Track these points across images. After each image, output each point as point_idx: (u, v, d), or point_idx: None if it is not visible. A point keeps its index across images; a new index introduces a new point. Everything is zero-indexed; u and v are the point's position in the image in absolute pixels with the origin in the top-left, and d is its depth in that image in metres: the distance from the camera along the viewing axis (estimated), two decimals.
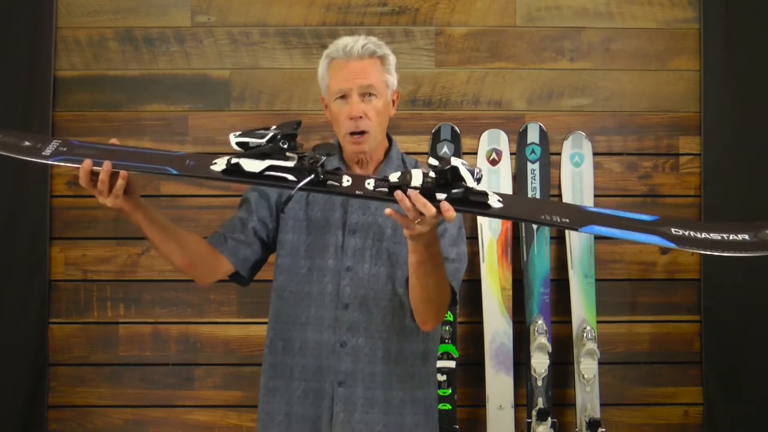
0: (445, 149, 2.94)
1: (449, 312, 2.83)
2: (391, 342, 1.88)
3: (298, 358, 1.90)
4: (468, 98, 3.02)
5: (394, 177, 1.60)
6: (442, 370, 2.78)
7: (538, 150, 2.96)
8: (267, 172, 1.64)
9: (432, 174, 1.57)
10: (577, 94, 3.03)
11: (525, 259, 2.91)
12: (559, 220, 1.63)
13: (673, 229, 1.61)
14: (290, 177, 1.64)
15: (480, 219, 2.91)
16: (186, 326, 2.98)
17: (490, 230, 2.91)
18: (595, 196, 2.94)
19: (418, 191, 1.57)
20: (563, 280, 2.92)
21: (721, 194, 2.97)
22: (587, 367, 2.81)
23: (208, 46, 3.01)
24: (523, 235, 2.91)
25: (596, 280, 2.90)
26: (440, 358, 2.79)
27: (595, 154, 2.98)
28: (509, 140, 2.97)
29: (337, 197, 1.90)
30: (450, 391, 2.80)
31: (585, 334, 2.81)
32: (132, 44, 3.01)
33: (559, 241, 2.96)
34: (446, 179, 1.57)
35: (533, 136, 2.97)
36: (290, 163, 1.63)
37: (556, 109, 3.02)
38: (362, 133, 1.85)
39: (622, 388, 2.98)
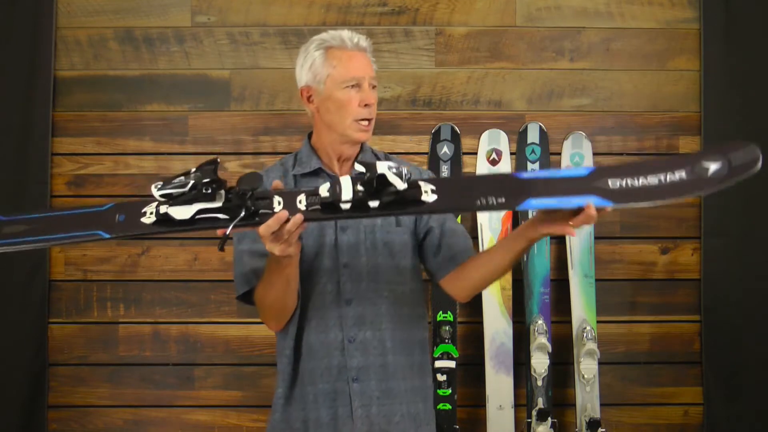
0: (444, 149, 2.94)
1: (449, 312, 2.83)
2: (396, 332, 1.90)
3: (308, 362, 1.90)
4: (468, 98, 3.02)
5: (323, 191, 1.60)
6: (442, 370, 2.78)
7: (538, 150, 2.96)
8: (198, 216, 1.62)
9: (360, 186, 1.57)
10: (577, 94, 3.03)
11: (525, 259, 2.91)
12: (495, 202, 1.63)
13: (609, 182, 1.61)
14: (222, 216, 1.62)
15: (480, 219, 2.91)
16: (186, 326, 2.98)
17: (490, 230, 2.91)
18: None
19: (349, 206, 1.58)
20: (563, 280, 2.92)
21: (721, 194, 2.95)
22: (587, 367, 2.81)
23: (208, 46, 3.01)
24: None
25: (596, 280, 2.90)
26: (440, 358, 2.79)
27: (595, 154, 2.97)
28: (509, 140, 2.97)
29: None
30: (450, 391, 2.80)
31: (585, 334, 2.81)
32: (132, 44, 3.01)
33: (559, 241, 2.96)
34: (376, 187, 1.57)
35: (533, 136, 2.97)
36: (218, 204, 1.61)
37: (556, 109, 3.02)
38: (369, 120, 1.88)
39: (622, 388, 2.98)
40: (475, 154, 2.96)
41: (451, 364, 2.81)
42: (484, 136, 2.97)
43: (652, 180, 1.60)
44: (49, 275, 2.96)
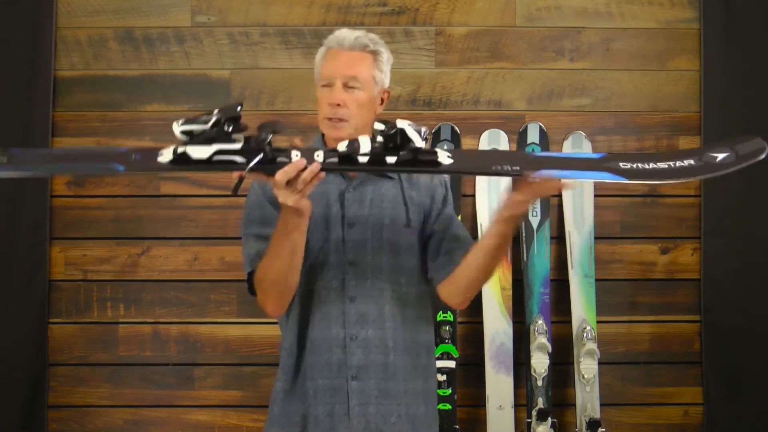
0: (445, 149, 2.94)
1: (449, 312, 2.83)
2: (399, 332, 1.90)
3: (309, 357, 1.90)
4: (468, 98, 3.02)
5: (342, 146, 1.63)
6: (442, 370, 2.78)
7: (538, 150, 2.96)
8: (215, 157, 1.64)
9: (379, 138, 1.60)
10: (577, 94, 3.03)
11: (525, 259, 2.91)
12: (510, 169, 1.67)
13: (621, 164, 1.67)
14: (239, 159, 1.64)
15: (480, 219, 2.91)
16: (186, 326, 2.98)
17: None
18: (595, 196, 2.94)
19: (367, 159, 1.61)
20: (563, 280, 2.92)
21: (721, 194, 2.97)
22: (587, 367, 2.81)
23: (208, 46, 3.01)
24: (523, 235, 2.91)
25: (596, 280, 2.90)
26: (440, 358, 2.79)
27: None
28: (509, 140, 2.97)
29: (333, 192, 1.91)
30: (450, 391, 2.80)
31: (585, 334, 2.81)
32: (132, 44, 3.01)
33: (559, 241, 2.96)
34: (395, 142, 1.60)
35: (533, 136, 2.97)
36: (237, 146, 1.63)
37: (556, 109, 3.02)
38: (340, 120, 1.86)
39: (622, 388, 2.98)
40: (477, 150, 2.96)
41: (451, 364, 2.81)
42: (484, 136, 2.97)
43: (662, 165, 1.66)
44: (49, 275, 2.96)
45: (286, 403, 1.91)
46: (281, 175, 1.62)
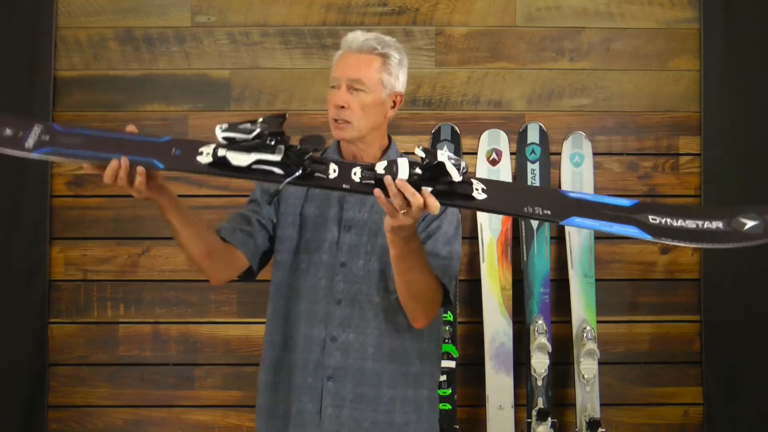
0: (445, 149, 2.93)
1: (449, 312, 2.83)
2: (383, 339, 1.89)
3: (291, 353, 1.91)
4: (468, 98, 3.02)
5: (380, 168, 1.61)
6: (442, 370, 2.78)
7: (538, 150, 2.96)
8: (254, 166, 1.64)
9: (418, 170, 1.58)
10: (577, 94, 3.03)
11: (525, 259, 2.91)
12: (541, 212, 1.65)
13: (650, 217, 1.64)
14: (277, 171, 1.64)
15: (480, 219, 2.91)
16: (186, 326, 2.98)
17: (490, 230, 2.91)
18: None
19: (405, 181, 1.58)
20: (563, 280, 2.92)
21: (721, 194, 2.97)
22: (587, 367, 2.81)
23: (208, 46, 3.01)
24: (523, 235, 2.91)
25: (596, 280, 2.90)
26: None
27: (595, 154, 2.98)
28: (509, 140, 2.97)
29: (334, 193, 1.91)
30: (450, 391, 2.80)
31: (585, 334, 2.81)
32: (132, 44, 3.01)
33: (559, 241, 2.96)
34: (433, 174, 1.59)
35: (533, 136, 2.97)
36: (277, 157, 1.63)
37: (556, 109, 3.02)
38: (344, 122, 1.87)
39: (622, 388, 2.98)
40: (475, 154, 2.96)
41: (451, 364, 2.82)
42: (484, 136, 2.97)
43: (690, 224, 1.63)
44: (49, 275, 2.96)
45: (271, 395, 1.94)
46: (105, 178, 1.63)
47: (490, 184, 1.68)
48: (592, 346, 2.80)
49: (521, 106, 3.02)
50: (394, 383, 1.90)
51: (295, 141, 1.65)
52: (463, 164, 1.60)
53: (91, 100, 3.00)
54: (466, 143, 2.97)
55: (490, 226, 2.91)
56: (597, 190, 2.95)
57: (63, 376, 2.97)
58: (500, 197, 1.69)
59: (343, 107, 1.86)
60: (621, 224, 1.63)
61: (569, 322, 2.89)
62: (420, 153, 1.59)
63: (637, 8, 3.03)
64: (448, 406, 2.80)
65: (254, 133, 1.61)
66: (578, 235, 2.90)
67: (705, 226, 1.62)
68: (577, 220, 1.63)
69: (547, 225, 2.91)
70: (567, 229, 2.91)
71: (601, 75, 3.03)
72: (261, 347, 2.98)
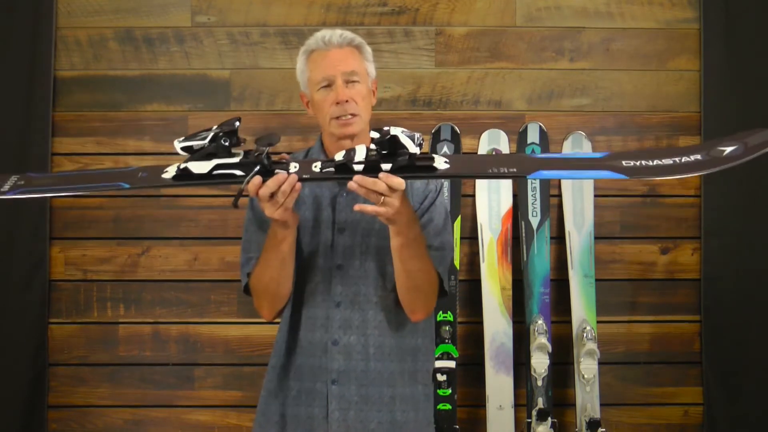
0: (444, 149, 2.94)
1: (449, 312, 2.83)
2: (384, 338, 1.90)
3: (293, 359, 1.92)
4: (468, 98, 3.02)
5: (339, 156, 1.65)
6: (442, 370, 2.78)
7: (538, 150, 2.96)
8: (215, 171, 1.67)
9: (373, 146, 1.61)
10: (577, 94, 3.03)
11: (525, 259, 2.91)
12: (507, 171, 1.66)
13: (623, 162, 1.64)
14: (238, 172, 1.67)
15: (480, 219, 2.91)
16: (186, 326, 2.98)
17: (490, 230, 2.91)
18: (595, 196, 2.94)
19: (362, 167, 1.62)
20: (563, 280, 2.92)
21: (721, 194, 2.97)
22: (587, 367, 2.81)
23: (208, 46, 3.01)
24: (523, 235, 2.91)
25: (596, 280, 2.90)
26: (440, 358, 2.79)
27: None
28: (509, 140, 2.97)
29: (326, 195, 1.93)
30: (450, 391, 2.80)
31: (585, 334, 2.81)
32: (132, 44, 3.01)
33: (559, 241, 2.96)
34: (389, 150, 1.62)
35: (533, 136, 2.97)
36: (236, 159, 1.66)
37: (556, 109, 3.02)
38: (352, 115, 1.87)
39: (622, 388, 2.98)
40: (475, 154, 2.96)
41: (451, 364, 2.81)
42: (484, 136, 2.97)
43: (667, 161, 1.63)
44: (49, 275, 2.96)
45: (266, 403, 1.94)
46: (263, 190, 1.65)
47: (453, 157, 1.72)
48: (592, 346, 2.79)
49: (521, 106, 3.02)
50: (393, 382, 1.91)
51: (251, 145, 1.68)
52: (417, 135, 1.63)
53: (91, 100, 3.00)
54: (466, 143, 2.97)
55: (490, 227, 2.91)
56: (597, 189, 2.95)
57: (63, 376, 2.97)
58: (464, 165, 1.74)
59: (347, 101, 1.86)
60: (593, 170, 1.65)
61: (569, 322, 2.89)
62: (374, 134, 1.63)
63: (637, 8, 3.03)
64: (448, 406, 2.80)
65: (209, 137, 1.65)
66: (578, 235, 2.90)
67: (683, 160, 1.62)
68: (544, 172, 1.64)
69: (547, 225, 2.91)
70: (567, 229, 2.91)
71: (601, 75, 3.03)
72: (261, 347, 3.00)
